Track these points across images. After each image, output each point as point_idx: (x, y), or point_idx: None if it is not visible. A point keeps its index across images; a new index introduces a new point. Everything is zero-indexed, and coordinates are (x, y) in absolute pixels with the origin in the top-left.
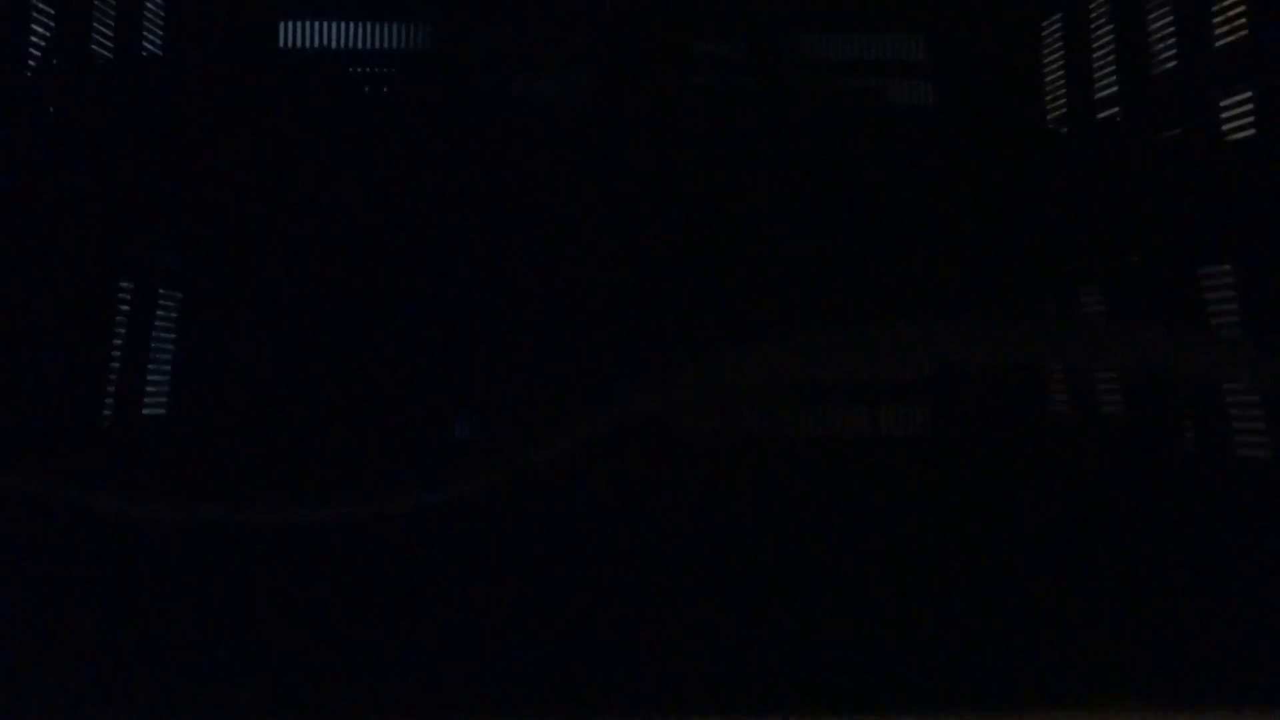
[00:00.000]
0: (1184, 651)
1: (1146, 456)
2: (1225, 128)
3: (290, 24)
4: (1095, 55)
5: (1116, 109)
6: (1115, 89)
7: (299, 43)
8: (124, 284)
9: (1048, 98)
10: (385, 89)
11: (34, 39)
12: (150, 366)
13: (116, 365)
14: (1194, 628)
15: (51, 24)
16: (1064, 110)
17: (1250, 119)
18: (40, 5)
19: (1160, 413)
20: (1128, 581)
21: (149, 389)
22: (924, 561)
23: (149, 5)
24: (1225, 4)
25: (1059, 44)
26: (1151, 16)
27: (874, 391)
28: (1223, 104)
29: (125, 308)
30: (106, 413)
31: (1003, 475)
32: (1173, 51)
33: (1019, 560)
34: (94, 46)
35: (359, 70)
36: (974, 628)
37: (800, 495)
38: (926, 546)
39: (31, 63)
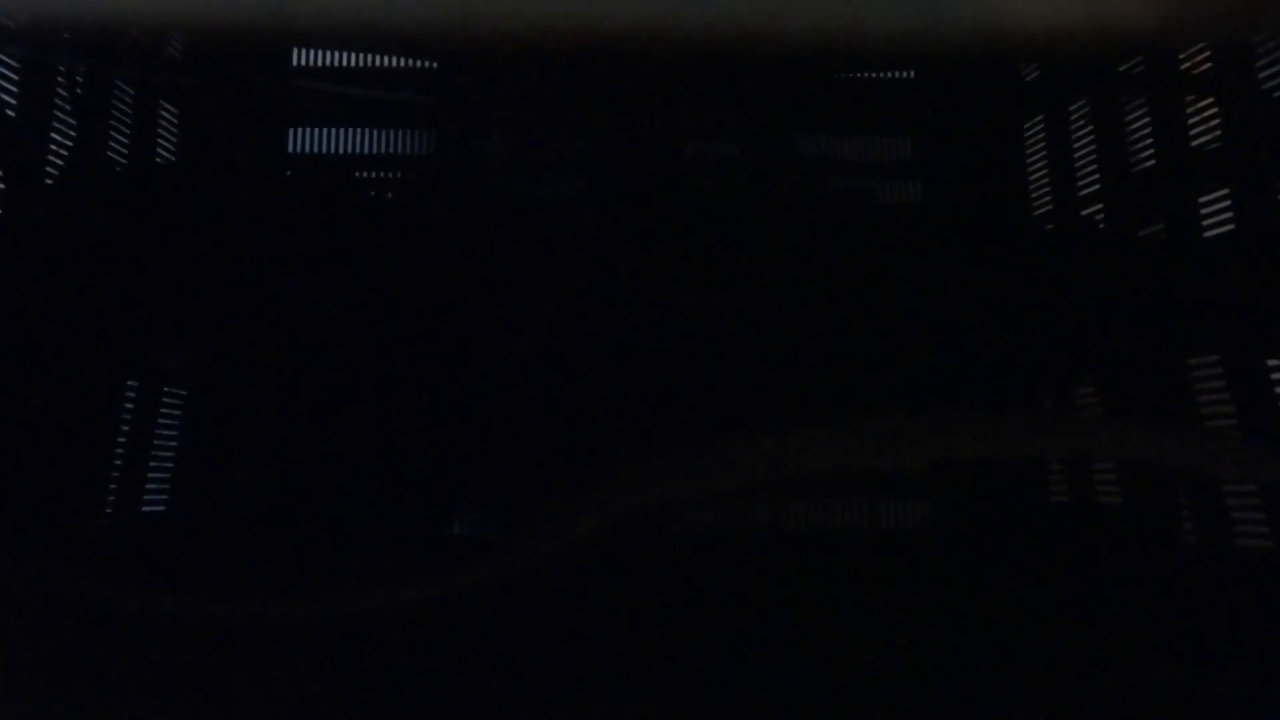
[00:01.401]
0: None
1: (1146, 547)
2: (1205, 223)
3: (299, 130)
4: (1077, 155)
5: (1099, 206)
6: (1097, 187)
7: (308, 149)
8: (129, 383)
9: (1032, 196)
10: (390, 192)
11: (54, 147)
12: (151, 464)
13: (119, 462)
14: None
15: (72, 133)
16: (1049, 208)
17: (1229, 215)
18: (61, 115)
19: (1159, 503)
20: (1130, 672)
21: (150, 486)
22: (926, 655)
23: (164, 114)
24: (1199, 105)
25: (1041, 145)
26: (1129, 118)
27: (872, 485)
28: (1201, 200)
29: (130, 405)
30: (108, 510)
31: (1004, 567)
32: (1150, 151)
33: (1020, 653)
34: (110, 154)
35: (365, 174)
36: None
37: (799, 591)
38: (928, 640)
39: (50, 170)
